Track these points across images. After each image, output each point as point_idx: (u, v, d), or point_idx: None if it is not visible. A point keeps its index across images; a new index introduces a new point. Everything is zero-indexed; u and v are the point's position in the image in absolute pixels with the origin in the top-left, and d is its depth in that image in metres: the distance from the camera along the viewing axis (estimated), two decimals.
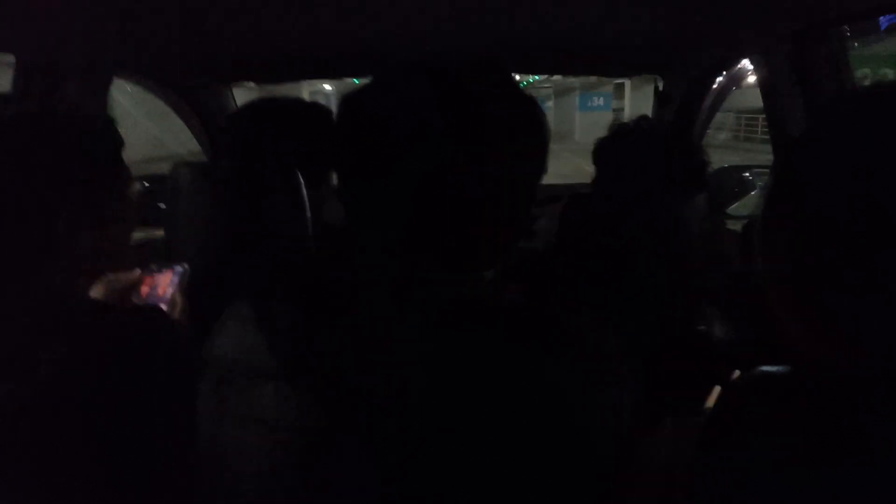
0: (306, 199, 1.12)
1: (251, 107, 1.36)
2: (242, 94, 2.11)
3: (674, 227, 1.03)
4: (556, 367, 0.58)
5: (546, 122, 0.68)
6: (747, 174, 2.14)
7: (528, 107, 0.65)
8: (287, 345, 0.62)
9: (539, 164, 0.67)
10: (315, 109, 1.31)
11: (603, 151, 1.12)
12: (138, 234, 1.14)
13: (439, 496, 0.56)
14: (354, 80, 2.13)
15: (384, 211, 0.61)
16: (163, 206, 1.31)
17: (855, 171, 0.41)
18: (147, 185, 1.76)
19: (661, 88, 2.06)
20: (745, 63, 1.64)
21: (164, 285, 1.07)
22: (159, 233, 1.35)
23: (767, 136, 1.45)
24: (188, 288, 1.08)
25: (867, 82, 0.67)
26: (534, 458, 0.56)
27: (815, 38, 1.22)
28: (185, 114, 2.04)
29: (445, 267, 0.61)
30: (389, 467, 0.57)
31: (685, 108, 1.95)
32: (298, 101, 1.36)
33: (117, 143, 0.89)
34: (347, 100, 0.65)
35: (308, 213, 1.12)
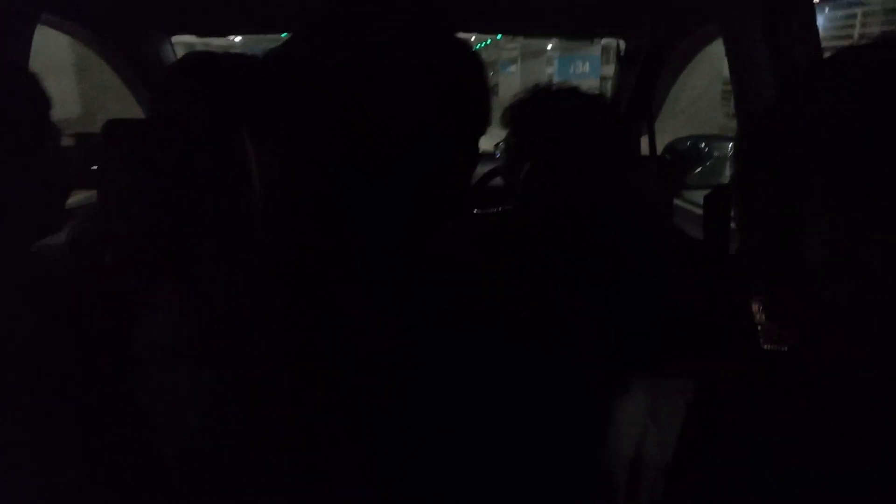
0: (253, 161, 1.05)
1: (192, 60, 1.27)
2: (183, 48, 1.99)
3: (622, 201, 1.02)
4: (527, 336, 0.58)
5: (483, 71, 0.63)
6: (703, 144, 2.15)
7: (463, 55, 0.61)
8: (228, 322, 0.58)
9: (480, 116, 0.63)
10: (257, 63, 1.23)
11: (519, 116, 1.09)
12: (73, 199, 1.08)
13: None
14: None
15: (325, 174, 0.57)
16: (95, 167, 1.22)
17: (853, 165, 0.39)
18: (78, 144, 1.64)
19: (622, 53, 2.02)
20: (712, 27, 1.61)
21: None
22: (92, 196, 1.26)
23: None
24: (122, 259, 1.02)
25: None
26: (512, 429, 0.57)
27: (785, 4, 1.21)
28: (121, 66, 1.91)
29: (389, 232, 0.58)
30: (355, 453, 0.55)
31: (646, 73, 1.92)
32: (242, 56, 1.28)
33: (43, 102, 0.82)
34: (272, 55, 0.60)
35: (256, 177, 1.05)
